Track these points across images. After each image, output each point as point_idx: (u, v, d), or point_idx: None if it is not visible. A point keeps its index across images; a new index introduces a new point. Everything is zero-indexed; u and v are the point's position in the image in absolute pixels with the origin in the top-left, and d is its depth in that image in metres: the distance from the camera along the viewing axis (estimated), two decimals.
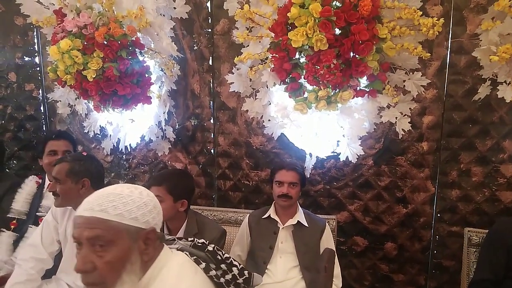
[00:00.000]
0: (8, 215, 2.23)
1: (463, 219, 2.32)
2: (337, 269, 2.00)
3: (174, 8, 2.41)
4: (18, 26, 2.90)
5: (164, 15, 2.40)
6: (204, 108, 2.60)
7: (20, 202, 2.28)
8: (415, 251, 2.43)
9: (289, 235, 2.02)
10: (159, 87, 2.60)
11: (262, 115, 2.42)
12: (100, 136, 2.84)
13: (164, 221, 1.86)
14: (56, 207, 1.89)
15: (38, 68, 2.95)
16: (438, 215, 2.36)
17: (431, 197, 2.36)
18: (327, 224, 2.08)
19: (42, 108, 3.00)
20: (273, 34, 2.19)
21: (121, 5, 2.38)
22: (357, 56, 2.09)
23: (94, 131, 2.78)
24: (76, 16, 2.36)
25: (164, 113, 2.57)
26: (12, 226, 2.21)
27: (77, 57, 2.32)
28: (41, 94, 2.98)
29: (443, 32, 2.13)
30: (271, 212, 2.09)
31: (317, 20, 2.02)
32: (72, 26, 2.33)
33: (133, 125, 2.70)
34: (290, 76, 2.23)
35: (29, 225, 2.23)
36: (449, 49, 2.23)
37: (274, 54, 2.20)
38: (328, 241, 2.03)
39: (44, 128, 3.02)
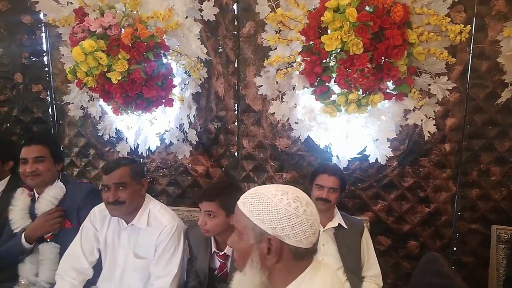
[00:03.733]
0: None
1: (482, 217, 2.43)
2: (377, 269, 2.04)
3: (199, 10, 2.38)
4: (25, 24, 2.77)
5: (189, 17, 2.37)
6: (228, 111, 2.58)
7: (18, 221, 2.07)
8: (436, 248, 2.52)
9: (330, 238, 2.04)
10: (181, 89, 2.56)
11: (288, 118, 2.44)
12: (114, 139, 2.75)
13: (213, 235, 1.82)
14: (118, 216, 1.83)
15: (46, 69, 2.83)
16: (459, 213, 2.46)
17: (452, 196, 2.45)
18: (364, 225, 2.12)
19: (50, 110, 2.87)
20: (303, 37, 2.21)
21: (147, 6, 2.32)
22: (388, 60, 2.14)
23: (109, 134, 2.70)
24: (100, 16, 2.28)
25: (187, 115, 2.53)
26: (48, 240, 2.07)
27: (101, 58, 2.24)
28: (49, 96, 2.85)
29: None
30: None
31: (352, 25, 2.06)
32: (97, 27, 2.25)
33: (151, 128, 2.64)
34: (319, 79, 2.25)
35: None
36: (471, 55, 2.32)
37: (305, 58, 2.21)
38: (368, 241, 2.07)
39: (52, 131, 2.89)
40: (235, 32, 2.49)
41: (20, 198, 2.11)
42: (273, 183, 2.59)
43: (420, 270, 1.35)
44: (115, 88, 2.30)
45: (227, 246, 1.79)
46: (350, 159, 2.47)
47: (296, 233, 1.06)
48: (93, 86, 2.36)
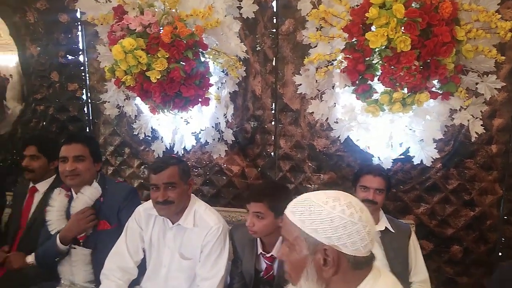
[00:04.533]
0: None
1: None
2: (425, 274, 1.97)
3: (238, 7, 2.34)
4: (62, 23, 2.78)
5: (228, 15, 2.33)
6: (265, 110, 2.54)
7: (55, 223, 2.03)
8: (481, 253, 2.43)
9: (376, 242, 1.97)
10: (217, 88, 2.53)
11: (328, 117, 2.38)
12: (149, 138, 2.74)
13: (260, 237, 1.78)
14: (166, 216, 1.81)
15: (82, 67, 2.84)
16: (505, 217, 2.36)
17: (498, 199, 2.36)
18: (411, 228, 2.05)
19: (86, 109, 2.88)
20: (345, 35, 2.15)
21: (186, 4, 2.29)
22: (436, 58, 2.06)
23: (145, 133, 2.68)
24: (140, 14, 2.27)
25: (224, 115, 2.50)
26: (81, 240, 2.04)
27: (141, 57, 2.23)
28: (85, 95, 2.86)
29: None
30: None
31: (399, 21, 1.99)
32: (136, 25, 2.24)
33: (187, 127, 2.62)
34: (361, 77, 2.19)
35: None
36: None
37: (347, 55, 2.16)
38: (416, 246, 2.00)
39: (87, 130, 2.90)
40: (274, 30, 2.44)
41: (57, 199, 2.08)
42: (310, 184, 2.55)
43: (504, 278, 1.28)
44: (154, 87, 2.28)
45: (274, 248, 1.75)
46: (392, 160, 2.40)
47: (353, 241, 1.00)
48: (131, 85, 2.35)
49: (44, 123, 2.90)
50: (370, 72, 2.15)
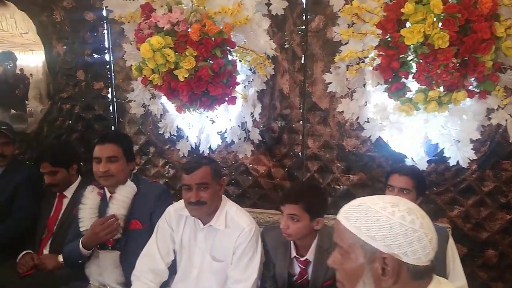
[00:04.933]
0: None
1: None
2: (463, 280, 1.90)
3: (266, 4, 2.30)
4: (88, 21, 2.77)
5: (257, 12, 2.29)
6: (293, 109, 2.49)
7: (87, 220, 2.00)
8: None
9: None
10: (244, 87, 2.49)
11: (358, 117, 2.32)
12: (175, 137, 2.71)
13: (293, 240, 1.73)
14: (198, 217, 1.78)
15: (107, 66, 2.83)
16: None
17: None
18: (448, 232, 1.98)
19: (111, 107, 2.87)
20: (378, 31, 2.09)
21: (214, 1, 2.26)
22: (474, 55, 1.98)
23: (170, 132, 2.66)
24: (168, 12, 2.24)
25: (251, 114, 2.46)
26: (110, 245, 2.01)
27: (169, 55, 2.20)
28: (110, 93, 2.85)
29: None
30: None
31: (436, 17, 1.92)
32: (165, 23, 2.21)
33: (212, 126, 2.59)
34: (395, 75, 2.12)
35: None
36: None
37: (381, 52, 2.09)
38: (453, 250, 1.93)
39: (113, 129, 2.90)
40: (303, 27, 2.39)
41: (90, 197, 2.05)
42: (339, 186, 2.49)
43: None
44: (181, 85, 2.24)
45: (309, 252, 1.70)
46: (426, 161, 2.32)
47: (414, 250, 0.95)
48: (158, 84, 2.33)
49: (70, 121, 2.90)
50: (405, 70, 2.08)
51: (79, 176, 2.42)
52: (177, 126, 2.66)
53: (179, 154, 2.73)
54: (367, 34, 2.16)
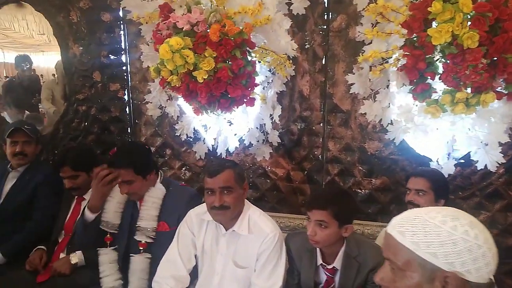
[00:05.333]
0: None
1: None
2: None
3: (287, 3, 2.25)
4: (105, 22, 2.74)
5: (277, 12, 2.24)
6: (314, 111, 2.44)
7: (110, 213, 2.06)
8: None
9: None
10: (263, 88, 2.44)
11: (381, 119, 2.26)
12: (191, 140, 2.67)
13: (320, 247, 1.68)
14: (221, 222, 1.74)
15: (124, 67, 2.80)
16: None
17: None
18: None
19: (127, 109, 2.84)
20: (403, 31, 2.03)
21: (234, 1, 2.21)
22: (504, 55, 1.91)
23: (187, 134, 2.62)
24: (187, 12, 2.20)
25: (270, 116, 2.41)
26: (108, 241, 2.04)
27: (188, 56, 2.16)
28: (126, 95, 2.82)
29: None
30: None
31: (465, 16, 1.86)
32: (184, 23, 2.17)
33: (230, 128, 2.55)
34: (421, 75, 2.06)
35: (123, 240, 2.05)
36: None
37: (406, 52, 2.03)
38: None
39: (129, 131, 2.87)
40: (325, 27, 2.33)
41: (118, 191, 2.07)
42: (360, 189, 2.43)
43: None
44: (200, 87, 2.20)
45: (336, 259, 1.64)
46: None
47: (478, 267, 0.89)
48: (176, 85, 2.29)
49: (86, 123, 2.88)
50: (431, 71, 2.02)
51: None
52: (194, 128, 2.62)
53: (196, 157, 2.70)
54: (392, 34, 2.10)
